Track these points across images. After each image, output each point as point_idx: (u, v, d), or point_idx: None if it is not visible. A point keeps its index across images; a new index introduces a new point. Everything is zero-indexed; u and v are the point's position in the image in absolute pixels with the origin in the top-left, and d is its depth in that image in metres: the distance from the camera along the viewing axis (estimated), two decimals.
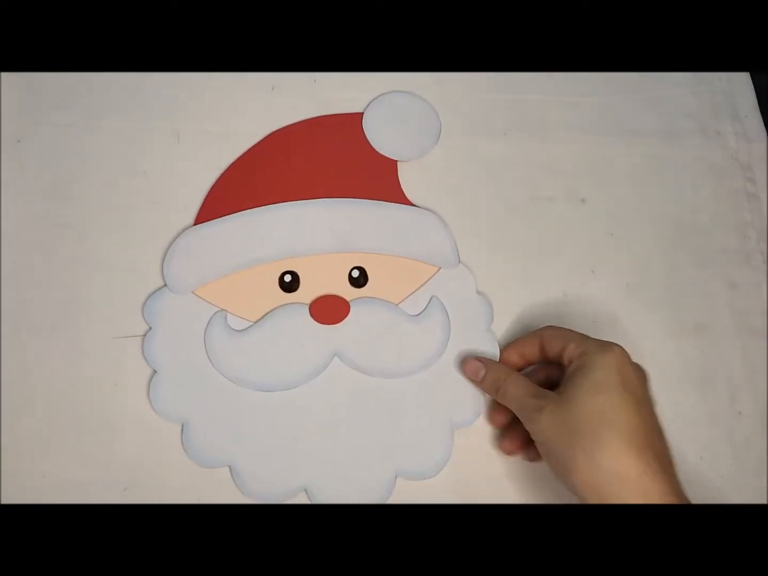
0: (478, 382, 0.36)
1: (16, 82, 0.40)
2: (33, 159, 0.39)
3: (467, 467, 0.36)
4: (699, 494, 0.37)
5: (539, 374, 0.37)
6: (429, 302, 0.38)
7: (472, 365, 0.37)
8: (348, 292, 0.38)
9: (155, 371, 0.36)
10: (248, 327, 0.37)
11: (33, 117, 0.40)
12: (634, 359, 0.39)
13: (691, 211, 0.43)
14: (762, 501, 0.37)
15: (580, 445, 0.30)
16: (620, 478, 0.29)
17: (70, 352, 0.36)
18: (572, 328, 0.35)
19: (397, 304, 0.38)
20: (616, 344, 0.33)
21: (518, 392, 0.34)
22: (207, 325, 0.37)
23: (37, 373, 0.36)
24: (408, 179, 0.40)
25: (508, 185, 0.42)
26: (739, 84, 0.46)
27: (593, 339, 0.34)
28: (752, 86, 0.46)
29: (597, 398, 0.31)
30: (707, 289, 0.41)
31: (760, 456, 0.38)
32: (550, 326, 0.36)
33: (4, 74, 0.40)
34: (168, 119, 0.40)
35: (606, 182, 0.42)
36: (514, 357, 0.37)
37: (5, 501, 0.34)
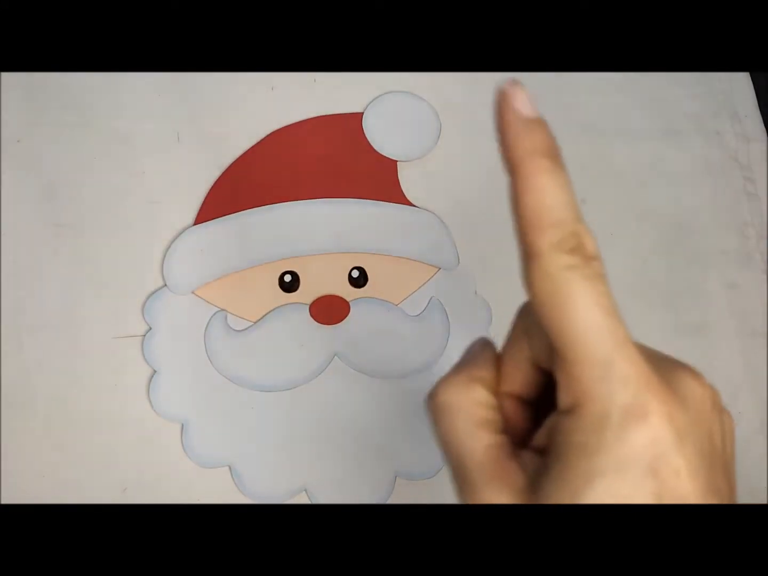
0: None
1: (16, 82, 0.40)
2: (33, 159, 0.39)
3: None
4: None
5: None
6: (428, 303, 0.38)
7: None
8: (348, 292, 0.38)
9: (155, 371, 0.36)
10: (248, 327, 0.37)
11: (33, 117, 0.40)
12: None
13: (690, 211, 0.43)
14: (762, 501, 0.38)
15: None
16: None
17: (70, 352, 0.36)
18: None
19: (396, 305, 0.38)
20: (668, 390, 0.17)
21: (462, 436, 0.20)
22: (207, 325, 0.37)
23: (37, 373, 0.36)
24: (408, 179, 0.40)
25: (503, 186, 0.42)
26: (739, 84, 0.46)
27: (612, 369, 0.17)
28: (752, 86, 0.46)
29: None
30: (707, 290, 0.41)
31: (760, 456, 0.38)
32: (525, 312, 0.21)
33: (4, 74, 0.40)
34: (168, 119, 0.40)
35: (606, 182, 0.42)
36: (520, 367, 0.21)
37: (5, 501, 0.34)
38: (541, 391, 0.21)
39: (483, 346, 0.22)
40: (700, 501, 0.18)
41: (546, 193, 0.18)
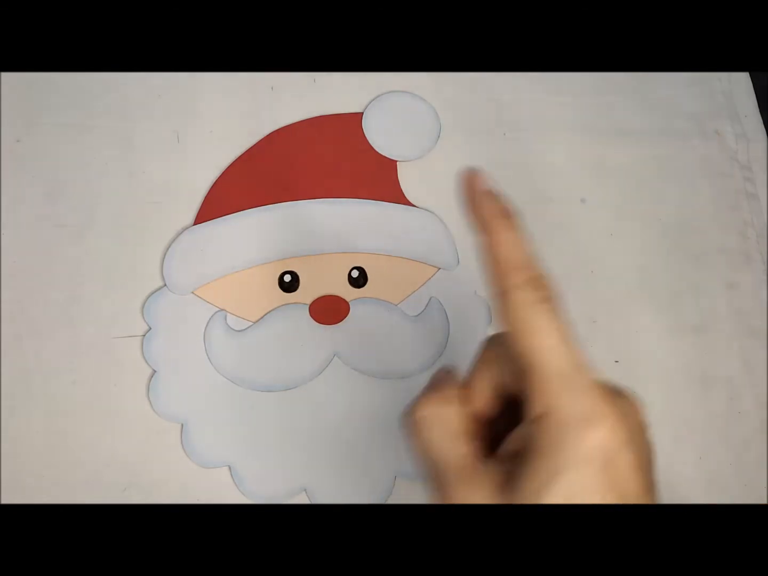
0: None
1: (16, 82, 0.40)
2: (33, 159, 0.39)
3: None
4: (698, 494, 0.37)
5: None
6: (428, 303, 0.38)
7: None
8: (347, 292, 0.38)
9: (155, 371, 0.36)
10: (248, 327, 0.37)
11: (33, 117, 0.40)
12: (634, 358, 0.39)
13: (690, 211, 0.43)
14: (762, 501, 0.38)
15: None
16: None
17: (70, 352, 0.36)
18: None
19: (396, 305, 0.38)
20: (614, 403, 0.21)
21: (441, 445, 0.23)
22: (206, 325, 0.37)
23: (37, 373, 0.36)
24: (408, 179, 0.40)
25: (508, 186, 0.42)
26: (739, 84, 0.46)
27: (572, 384, 0.21)
28: (752, 86, 0.46)
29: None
30: (707, 289, 0.41)
31: (760, 456, 0.38)
32: (495, 336, 0.24)
33: (4, 74, 0.40)
34: (168, 119, 0.40)
35: (606, 182, 0.42)
36: (483, 391, 0.24)
37: (5, 501, 0.34)
38: (498, 412, 0.24)
39: (447, 372, 0.26)
40: (642, 495, 0.21)
41: (512, 243, 0.23)
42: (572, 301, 0.39)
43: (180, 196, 0.39)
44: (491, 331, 0.38)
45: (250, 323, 0.37)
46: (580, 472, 0.20)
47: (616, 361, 0.39)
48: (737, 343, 0.40)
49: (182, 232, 0.38)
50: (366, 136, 0.41)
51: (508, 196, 0.41)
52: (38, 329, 0.36)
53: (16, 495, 0.34)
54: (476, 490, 0.22)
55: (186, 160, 0.40)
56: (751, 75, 0.46)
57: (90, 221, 0.38)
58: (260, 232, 0.38)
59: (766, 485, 0.38)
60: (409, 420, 0.24)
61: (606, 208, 0.42)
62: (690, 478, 0.38)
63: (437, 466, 0.23)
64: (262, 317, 0.37)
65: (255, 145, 0.40)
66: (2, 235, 0.37)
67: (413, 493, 0.36)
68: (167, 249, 0.38)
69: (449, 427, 0.23)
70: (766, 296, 0.41)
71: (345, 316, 0.37)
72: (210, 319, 0.37)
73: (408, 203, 0.40)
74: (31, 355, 0.36)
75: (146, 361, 0.36)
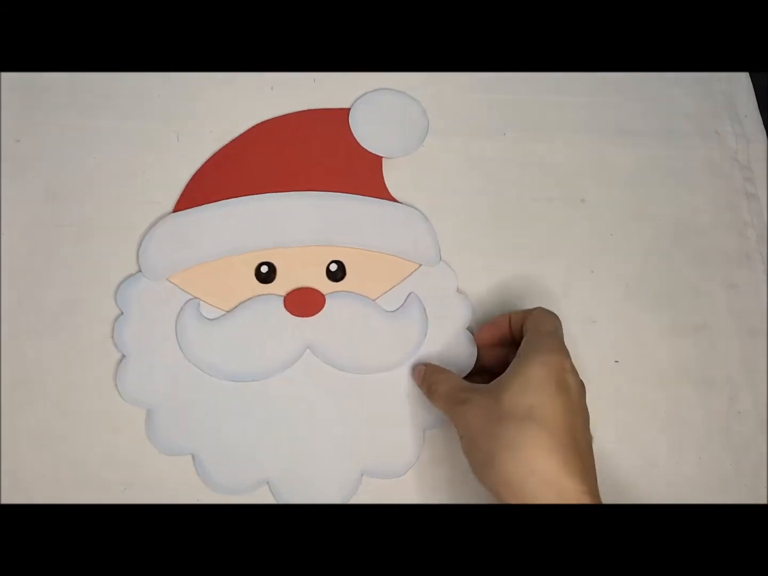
0: (419, 385, 0.36)
1: (16, 82, 0.40)
2: (33, 159, 0.39)
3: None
4: (698, 494, 0.37)
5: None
6: (406, 299, 0.38)
7: (417, 371, 0.36)
8: (325, 285, 0.38)
9: (124, 356, 0.36)
10: (220, 316, 0.37)
11: (33, 117, 0.40)
12: (634, 358, 0.39)
13: (690, 211, 0.43)
14: (762, 501, 0.38)
15: (504, 437, 0.29)
16: (538, 474, 0.28)
17: (70, 352, 0.36)
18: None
19: (373, 300, 0.38)
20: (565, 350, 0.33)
21: (447, 389, 0.34)
22: (179, 313, 0.36)
23: (37, 373, 0.36)
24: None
25: (508, 186, 0.42)
26: (739, 84, 0.46)
27: (552, 335, 0.33)
28: (751, 86, 0.46)
29: (527, 392, 0.30)
30: (706, 290, 0.41)
31: (760, 456, 0.38)
32: (538, 308, 0.35)
33: (4, 74, 0.40)
34: (168, 119, 0.40)
35: (605, 182, 0.42)
36: (486, 335, 0.37)
37: (5, 501, 0.34)
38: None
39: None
40: (580, 391, 0.31)
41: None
42: (572, 301, 0.40)
43: (180, 196, 0.39)
44: (473, 328, 0.38)
45: (223, 312, 0.37)
46: (539, 369, 0.31)
47: (616, 361, 0.39)
48: (737, 343, 0.40)
49: (161, 218, 0.38)
50: (352, 131, 0.41)
51: (509, 196, 0.41)
52: (38, 329, 0.36)
53: (16, 495, 0.34)
54: (475, 385, 0.33)
55: (186, 160, 0.40)
56: (751, 75, 0.46)
57: (89, 221, 0.38)
58: (240, 222, 0.38)
59: (766, 485, 0.38)
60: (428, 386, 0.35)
61: (606, 208, 0.42)
62: (690, 478, 0.38)
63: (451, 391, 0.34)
64: (235, 307, 0.37)
65: (240, 135, 0.40)
66: (2, 235, 0.37)
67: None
68: (144, 235, 0.37)
69: (457, 380, 0.35)
70: (766, 296, 0.41)
71: (320, 309, 0.37)
72: (182, 306, 0.36)
73: (392, 199, 0.40)
74: (31, 355, 0.36)
75: (115, 346, 0.36)
